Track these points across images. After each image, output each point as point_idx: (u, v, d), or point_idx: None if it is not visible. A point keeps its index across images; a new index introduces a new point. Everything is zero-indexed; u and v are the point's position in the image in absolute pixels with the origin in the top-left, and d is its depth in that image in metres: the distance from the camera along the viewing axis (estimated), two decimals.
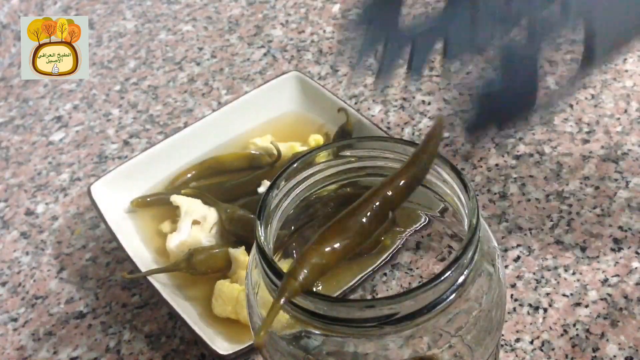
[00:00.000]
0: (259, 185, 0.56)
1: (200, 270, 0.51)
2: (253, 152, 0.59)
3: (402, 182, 0.32)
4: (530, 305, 0.49)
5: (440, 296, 0.29)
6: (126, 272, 0.51)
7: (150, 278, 0.50)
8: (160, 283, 0.51)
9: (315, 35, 0.76)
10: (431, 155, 0.32)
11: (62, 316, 0.54)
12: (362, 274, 0.46)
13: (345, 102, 0.60)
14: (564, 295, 0.49)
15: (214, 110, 0.66)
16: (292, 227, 0.37)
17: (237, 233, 0.53)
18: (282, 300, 0.29)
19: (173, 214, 0.56)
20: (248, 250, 0.51)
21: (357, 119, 0.58)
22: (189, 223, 0.54)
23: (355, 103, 0.67)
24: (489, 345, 0.34)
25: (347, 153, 0.35)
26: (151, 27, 0.83)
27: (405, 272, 0.47)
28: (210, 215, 0.54)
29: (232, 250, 0.51)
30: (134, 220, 0.57)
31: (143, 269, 0.51)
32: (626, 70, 0.65)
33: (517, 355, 0.46)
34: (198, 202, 0.55)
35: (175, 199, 0.55)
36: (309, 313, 0.29)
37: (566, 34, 0.40)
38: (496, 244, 0.34)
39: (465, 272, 0.29)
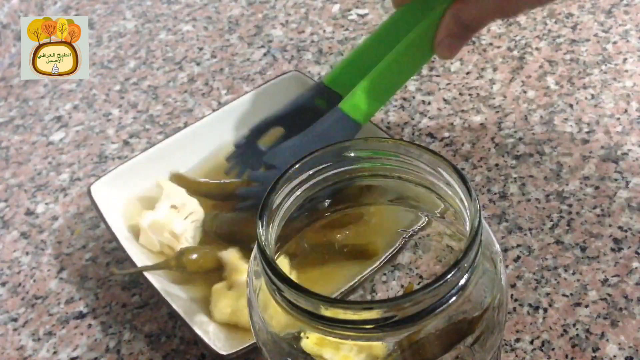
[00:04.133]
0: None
1: (190, 269, 0.51)
2: None
3: None
4: (530, 305, 0.49)
5: (441, 299, 0.29)
6: (115, 268, 0.52)
7: (150, 277, 0.50)
8: (160, 283, 0.51)
9: (315, 35, 0.76)
10: None
11: (62, 316, 0.55)
12: (362, 274, 0.46)
13: None
14: (564, 295, 0.49)
15: (214, 110, 0.66)
16: (295, 227, 0.37)
17: (229, 231, 0.54)
18: None
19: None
20: (242, 248, 0.52)
21: None
22: (167, 205, 0.54)
23: None
24: (490, 347, 0.34)
25: (349, 154, 0.35)
26: (151, 27, 0.83)
27: (406, 272, 0.47)
28: (189, 204, 0.55)
29: (221, 254, 0.51)
30: (134, 220, 0.57)
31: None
32: (626, 70, 0.65)
33: (517, 355, 0.46)
34: (182, 190, 0.56)
35: (161, 182, 0.56)
36: (308, 314, 0.29)
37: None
38: (498, 247, 0.34)
39: (466, 275, 0.29)
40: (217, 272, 0.51)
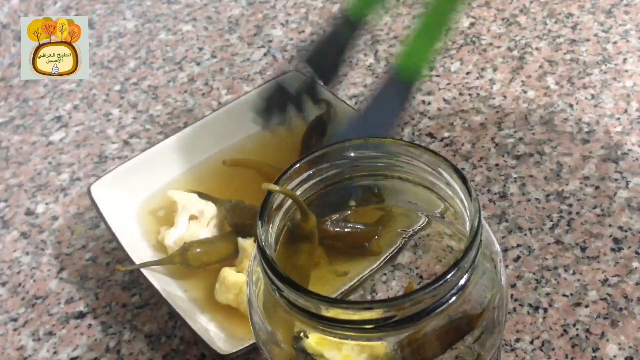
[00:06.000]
0: None
1: (194, 264, 0.52)
2: None
3: None
4: (530, 305, 0.49)
5: (441, 299, 0.29)
6: (120, 265, 0.52)
7: (149, 277, 0.50)
8: (160, 280, 0.51)
9: (315, 35, 0.76)
10: None
11: (62, 316, 0.55)
12: (362, 274, 0.46)
13: (345, 102, 0.60)
14: (564, 295, 0.49)
15: (214, 110, 0.66)
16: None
17: (242, 223, 0.54)
18: None
19: (171, 214, 0.56)
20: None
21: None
22: (186, 218, 0.54)
23: (355, 103, 0.67)
24: (490, 347, 0.34)
25: (349, 154, 0.35)
26: (151, 27, 0.83)
27: (406, 272, 0.47)
28: (207, 209, 0.55)
29: (240, 240, 0.51)
30: (134, 220, 0.57)
31: (143, 269, 0.51)
32: (626, 70, 0.65)
33: (517, 355, 0.46)
34: (194, 196, 0.56)
35: (172, 194, 0.56)
36: (308, 313, 0.29)
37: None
38: (498, 247, 0.34)
39: (466, 275, 0.29)
40: (221, 266, 0.52)
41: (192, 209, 0.55)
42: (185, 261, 0.51)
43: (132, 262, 0.51)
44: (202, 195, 0.56)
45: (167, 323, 0.53)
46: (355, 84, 0.69)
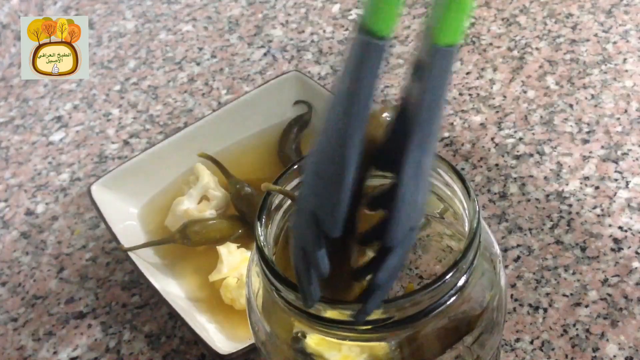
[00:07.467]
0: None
1: (194, 240, 0.53)
2: None
3: None
4: (530, 305, 0.49)
5: (440, 299, 0.29)
6: (123, 245, 0.52)
7: (149, 277, 0.50)
8: (160, 280, 0.51)
9: (315, 35, 0.76)
10: None
11: (62, 316, 0.55)
12: None
13: None
14: (564, 295, 0.49)
15: (214, 110, 0.66)
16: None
17: (241, 210, 0.56)
18: None
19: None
20: (250, 228, 0.54)
21: None
22: (199, 194, 0.56)
23: None
24: (490, 347, 0.34)
25: None
26: (151, 27, 0.83)
27: (406, 273, 0.47)
28: (221, 198, 0.56)
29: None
30: (134, 220, 0.57)
31: (144, 269, 0.51)
32: (626, 70, 0.65)
33: (517, 355, 0.46)
34: (215, 180, 0.57)
35: (198, 168, 0.57)
36: (307, 314, 0.29)
37: None
38: (497, 248, 0.34)
39: (465, 276, 0.29)
40: (219, 243, 0.53)
41: (209, 191, 0.56)
42: (186, 237, 0.53)
43: (132, 263, 0.51)
44: (222, 169, 0.57)
45: (167, 323, 0.53)
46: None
